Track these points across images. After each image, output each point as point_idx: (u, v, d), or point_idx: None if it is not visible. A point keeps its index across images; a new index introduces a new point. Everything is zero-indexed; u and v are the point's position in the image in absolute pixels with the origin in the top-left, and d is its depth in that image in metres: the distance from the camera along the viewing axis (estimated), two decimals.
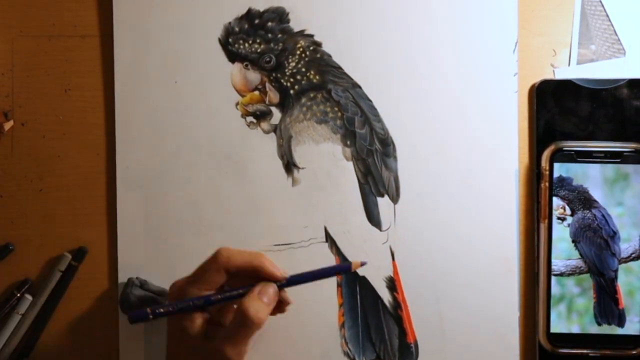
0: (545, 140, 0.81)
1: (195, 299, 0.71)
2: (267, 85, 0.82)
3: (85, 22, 0.83)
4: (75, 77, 0.83)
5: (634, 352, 0.80)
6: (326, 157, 0.82)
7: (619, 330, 0.80)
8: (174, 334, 0.72)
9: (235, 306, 0.72)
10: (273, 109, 0.83)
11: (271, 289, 0.71)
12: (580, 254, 0.80)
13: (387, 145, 0.82)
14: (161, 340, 0.81)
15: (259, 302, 0.70)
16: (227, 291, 0.72)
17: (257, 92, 0.83)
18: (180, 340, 0.72)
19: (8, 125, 0.83)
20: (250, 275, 0.71)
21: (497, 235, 0.81)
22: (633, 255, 0.80)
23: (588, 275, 0.80)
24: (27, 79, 0.83)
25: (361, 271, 0.82)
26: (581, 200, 0.80)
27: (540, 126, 0.81)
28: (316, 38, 0.82)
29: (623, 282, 0.80)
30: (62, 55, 0.83)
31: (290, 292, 0.79)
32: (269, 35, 0.82)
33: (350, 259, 0.82)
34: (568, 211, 0.80)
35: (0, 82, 0.83)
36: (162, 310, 0.71)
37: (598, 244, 0.80)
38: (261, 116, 0.82)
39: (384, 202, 0.82)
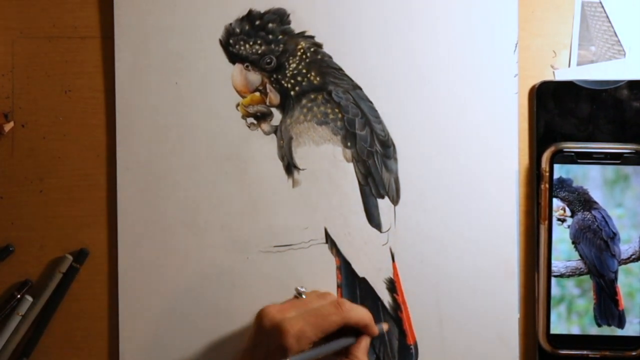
0: (546, 142, 0.81)
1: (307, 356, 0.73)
2: (268, 86, 0.82)
3: (85, 24, 0.83)
4: (76, 79, 0.83)
5: (634, 353, 0.80)
6: (326, 158, 0.82)
7: (618, 332, 0.80)
8: None
9: None
10: (273, 110, 0.83)
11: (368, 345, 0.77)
12: (580, 255, 0.80)
13: (387, 146, 0.82)
14: (161, 340, 0.81)
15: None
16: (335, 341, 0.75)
17: (257, 94, 0.83)
18: None
19: (8, 127, 0.82)
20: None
21: (497, 236, 0.81)
22: (633, 257, 0.80)
23: (588, 276, 0.80)
24: (27, 80, 0.83)
25: (361, 272, 0.82)
26: (581, 201, 0.80)
27: (540, 127, 0.81)
28: (317, 39, 0.82)
29: (623, 283, 0.80)
30: (62, 56, 0.83)
31: (290, 294, 0.80)
32: (270, 36, 0.82)
33: (350, 260, 0.82)
34: (568, 212, 0.80)
35: (1, 83, 0.83)
36: None
37: (598, 245, 0.80)
38: (262, 117, 0.82)
39: (384, 204, 0.82)
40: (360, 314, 0.75)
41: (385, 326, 0.79)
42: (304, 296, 0.78)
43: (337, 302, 0.74)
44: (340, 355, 0.76)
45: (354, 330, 0.76)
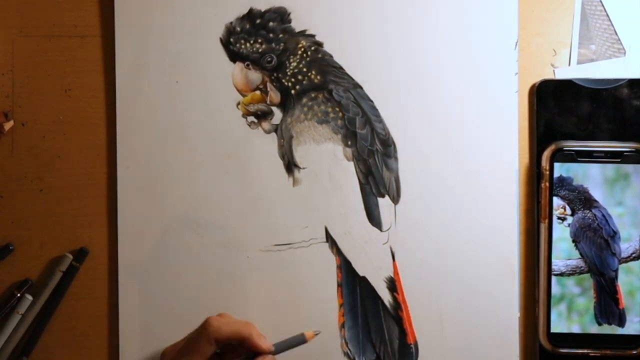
0: (546, 140, 0.81)
1: None
2: (268, 85, 0.82)
3: (86, 23, 0.83)
4: (76, 78, 0.83)
5: (635, 352, 0.80)
6: (327, 157, 0.82)
7: (619, 330, 0.80)
8: None
9: None
10: (274, 108, 0.83)
11: None
12: (581, 254, 0.80)
13: (388, 145, 0.82)
14: (161, 340, 0.81)
15: None
16: None
17: (258, 92, 0.83)
18: None
19: (8, 126, 0.82)
20: (238, 344, 0.75)
21: (498, 235, 0.81)
22: (633, 255, 0.80)
23: (588, 275, 0.80)
24: (27, 79, 0.83)
25: (361, 271, 0.82)
26: (581, 200, 0.80)
27: (540, 126, 0.81)
28: (317, 38, 0.82)
29: (623, 281, 0.80)
30: (62, 55, 0.83)
31: (290, 293, 0.80)
32: (271, 35, 0.82)
33: (350, 259, 0.82)
34: (568, 211, 0.80)
35: (1, 82, 0.83)
36: None
37: (598, 244, 0.80)
38: (262, 116, 0.82)
39: (384, 203, 0.82)
40: (234, 328, 0.74)
41: (309, 335, 0.77)
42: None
43: (204, 323, 0.74)
44: None
45: (250, 350, 0.75)
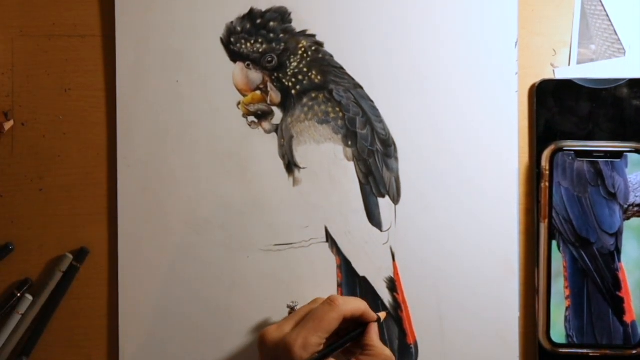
0: (546, 140, 0.81)
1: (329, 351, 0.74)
2: (269, 85, 0.82)
3: (86, 22, 0.83)
4: (76, 77, 0.83)
5: (634, 352, 0.80)
6: (327, 157, 0.82)
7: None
8: None
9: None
10: (274, 108, 0.83)
11: (377, 330, 0.78)
12: None
13: (388, 145, 0.82)
14: (161, 340, 0.81)
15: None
16: (343, 338, 0.76)
17: (258, 92, 0.83)
18: None
19: (8, 125, 0.82)
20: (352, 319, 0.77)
21: (498, 235, 0.81)
22: None
23: None
24: (27, 78, 0.83)
25: (361, 271, 0.82)
26: None
27: (540, 126, 0.81)
28: (318, 38, 0.82)
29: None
30: (62, 55, 0.83)
31: (290, 293, 0.80)
32: (271, 35, 0.82)
33: (350, 259, 0.82)
34: None
35: (1, 82, 0.83)
36: None
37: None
38: (262, 116, 0.82)
39: (384, 203, 0.82)
40: (355, 304, 0.76)
41: (382, 315, 0.79)
42: (296, 308, 0.79)
43: (330, 300, 0.75)
44: (356, 350, 0.76)
45: (357, 323, 0.77)
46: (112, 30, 0.83)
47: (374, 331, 0.76)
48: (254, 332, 0.82)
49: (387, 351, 0.75)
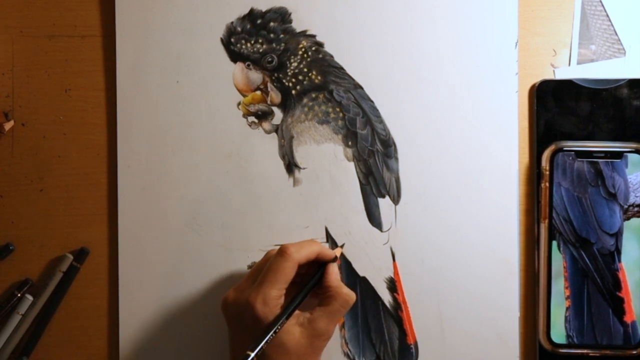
0: (546, 140, 0.81)
1: (286, 313, 0.73)
2: (269, 85, 0.82)
3: (86, 22, 0.83)
4: (76, 77, 0.83)
5: (634, 352, 0.80)
6: (327, 157, 0.82)
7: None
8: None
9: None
10: (275, 109, 0.83)
11: (337, 269, 0.78)
12: None
13: (388, 146, 0.82)
14: (161, 340, 0.81)
15: (341, 282, 0.77)
16: (304, 286, 0.76)
17: (258, 92, 0.83)
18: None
19: (8, 126, 0.82)
20: (308, 264, 0.76)
21: (498, 236, 0.81)
22: None
23: None
24: (27, 79, 0.83)
25: (361, 271, 0.82)
26: None
27: (540, 126, 0.81)
28: (318, 38, 0.82)
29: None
30: (62, 55, 0.83)
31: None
32: (271, 35, 0.82)
33: (350, 259, 0.82)
34: None
35: (1, 82, 0.83)
36: (263, 343, 0.71)
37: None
38: (263, 116, 0.82)
39: (385, 203, 0.82)
40: (307, 249, 0.75)
41: (338, 252, 0.79)
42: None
43: (281, 251, 0.74)
44: (320, 292, 0.76)
45: (317, 265, 0.77)
46: (112, 30, 0.83)
47: (332, 271, 0.76)
48: None
49: (344, 289, 0.75)
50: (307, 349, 0.73)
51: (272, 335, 0.71)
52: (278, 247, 0.75)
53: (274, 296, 0.72)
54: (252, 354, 0.70)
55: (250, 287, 0.74)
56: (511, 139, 0.82)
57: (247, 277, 0.76)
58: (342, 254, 0.81)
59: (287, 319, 0.73)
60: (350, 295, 0.75)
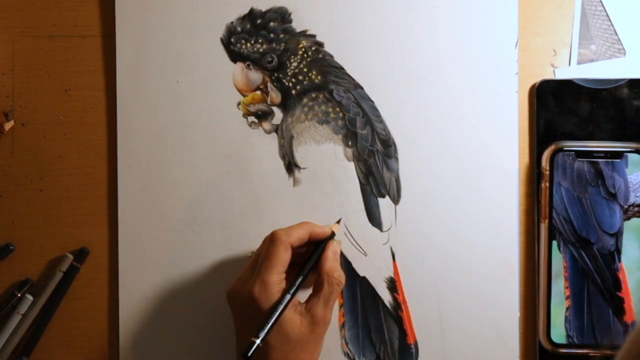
0: (546, 140, 0.81)
1: (286, 299, 0.73)
2: (269, 85, 0.82)
3: (86, 22, 0.83)
4: (76, 77, 0.83)
5: None
6: (327, 157, 0.82)
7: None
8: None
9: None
10: (275, 109, 0.83)
11: (338, 247, 0.78)
12: None
13: (388, 146, 0.82)
14: (161, 340, 0.81)
15: (336, 263, 0.76)
16: (302, 270, 0.76)
17: (258, 92, 0.83)
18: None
19: (8, 126, 0.82)
20: (307, 244, 0.77)
21: (498, 236, 0.81)
22: None
23: None
24: (27, 79, 0.83)
25: (361, 271, 0.82)
26: None
27: (540, 126, 0.81)
28: (318, 38, 0.82)
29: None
30: (62, 55, 0.83)
31: None
32: (271, 35, 0.82)
33: (350, 259, 0.82)
34: None
35: (1, 82, 0.83)
36: (267, 328, 0.71)
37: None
38: (263, 116, 0.83)
39: (385, 203, 0.82)
40: (298, 231, 0.76)
41: (335, 227, 0.79)
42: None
43: (271, 236, 0.74)
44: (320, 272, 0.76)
45: (316, 244, 0.77)
46: (112, 30, 0.83)
47: (328, 253, 0.76)
48: None
49: (335, 273, 0.75)
50: (308, 336, 0.73)
51: (275, 319, 0.71)
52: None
53: (273, 282, 0.73)
54: (258, 341, 0.70)
55: (251, 276, 0.74)
56: (511, 139, 0.82)
57: (248, 266, 0.76)
58: (340, 244, 0.80)
59: (289, 301, 0.73)
60: (339, 278, 0.75)
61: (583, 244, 0.80)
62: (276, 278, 0.73)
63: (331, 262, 0.76)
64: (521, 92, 0.82)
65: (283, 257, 0.74)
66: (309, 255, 0.77)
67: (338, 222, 0.81)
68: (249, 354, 0.69)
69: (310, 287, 0.76)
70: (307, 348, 0.74)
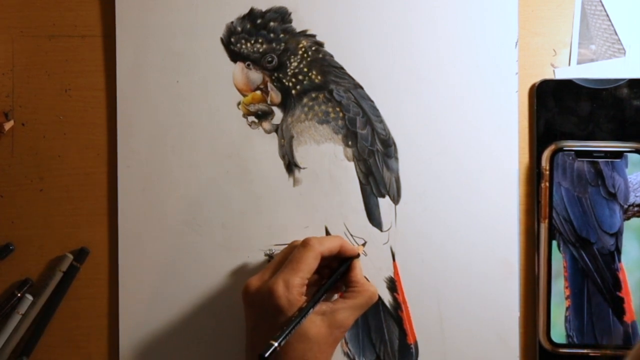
0: (546, 140, 0.81)
1: (311, 303, 0.73)
2: (269, 85, 0.82)
3: (86, 22, 0.83)
4: (76, 77, 0.83)
5: None
6: (327, 157, 0.82)
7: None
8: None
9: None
10: (275, 108, 0.83)
11: (361, 265, 0.79)
12: None
13: (388, 145, 0.82)
14: (161, 340, 0.81)
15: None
16: (329, 278, 0.77)
17: (258, 92, 0.83)
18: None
19: (8, 125, 0.82)
20: (329, 258, 0.77)
21: (498, 236, 0.81)
22: None
23: None
24: (27, 79, 0.83)
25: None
26: None
27: (540, 126, 0.81)
28: (318, 38, 0.82)
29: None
30: (62, 55, 0.83)
31: None
32: (271, 35, 0.82)
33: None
34: None
35: (1, 82, 0.83)
36: (286, 333, 0.71)
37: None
38: (263, 116, 0.83)
39: (385, 203, 0.82)
40: (330, 242, 0.77)
41: (360, 249, 0.80)
42: (274, 255, 0.80)
43: (305, 242, 0.75)
44: (342, 285, 0.78)
45: (339, 259, 0.78)
46: (112, 31, 0.83)
47: (358, 267, 0.78)
48: None
49: (372, 287, 0.77)
50: (326, 338, 0.74)
51: (296, 324, 0.71)
52: (300, 240, 0.77)
53: (296, 284, 0.73)
54: (276, 344, 0.70)
55: (272, 276, 0.75)
56: (511, 139, 0.82)
57: (269, 267, 0.77)
58: (363, 252, 0.82)
59: (312, 308, 0.73)
60: (375, 293, 0.77)
61: (583, 244, 0.80)
62: (299, 282, 0.73)
63: (363, 277, 0.78)
64: (521, 92, 0.82)
65: (311, 264, 0.74)
66: (329, 269, 0.78)
67: (364, 244, 0.82)
68: (266, 355, 0.69)
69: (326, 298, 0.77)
70: (325, 349, 0.74)
